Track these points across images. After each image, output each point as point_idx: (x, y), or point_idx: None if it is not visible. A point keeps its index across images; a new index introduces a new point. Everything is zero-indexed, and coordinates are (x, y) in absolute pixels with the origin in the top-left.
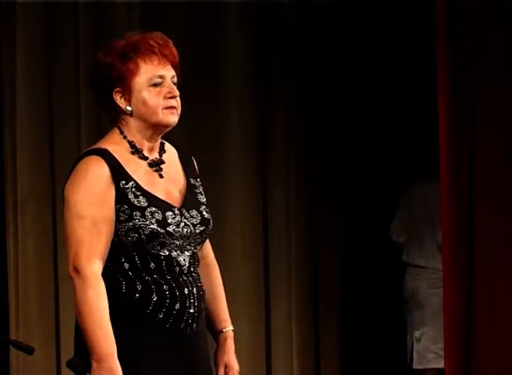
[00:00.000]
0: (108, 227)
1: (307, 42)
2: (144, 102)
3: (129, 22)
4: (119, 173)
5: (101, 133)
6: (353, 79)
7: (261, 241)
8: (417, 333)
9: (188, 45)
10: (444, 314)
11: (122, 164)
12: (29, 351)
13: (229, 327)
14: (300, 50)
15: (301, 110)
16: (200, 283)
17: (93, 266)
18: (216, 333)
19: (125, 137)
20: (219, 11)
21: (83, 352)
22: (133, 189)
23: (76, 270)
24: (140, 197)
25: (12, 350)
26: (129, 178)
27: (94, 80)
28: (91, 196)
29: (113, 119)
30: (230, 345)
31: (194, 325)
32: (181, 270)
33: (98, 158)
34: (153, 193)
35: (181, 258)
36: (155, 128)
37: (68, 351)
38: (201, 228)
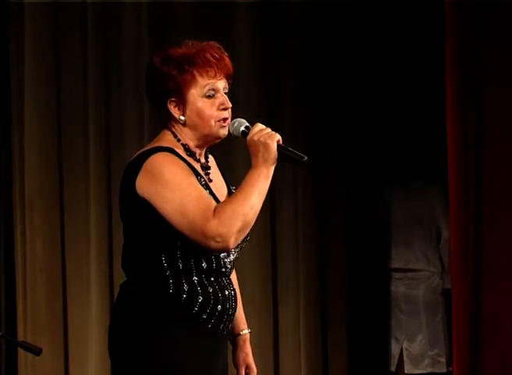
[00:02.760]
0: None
1: (316, 43)
2: (199, 114)
3: (137, 22)
4: (190, 168)
5: (110, 134)
6: (362, 81)
7: (269, 242)
8: (411, 339)
9: None
10: (453, 318)
11: (188, 161)
12: (36, 352)
13: (247, 330)
14: (310, 51)
15: (310, 112)
16: (233, 286)
17: (212, 223)
18: (235, 335)
19: (179, 140)
20: (228, 11)
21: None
22: (204, 186)
23: (208, 236)
24: (209, 195)
25: (21, 351)
26: (199, 175)
27: (149, 86)
28: (180, 177)
29: (163, 124)
30: (249, 347)
31: (229, 326)
32: (225, 272)
33: (169, 153)
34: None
35: (227, 261)
36: (206, 139)
37: (76, 352)
38: None
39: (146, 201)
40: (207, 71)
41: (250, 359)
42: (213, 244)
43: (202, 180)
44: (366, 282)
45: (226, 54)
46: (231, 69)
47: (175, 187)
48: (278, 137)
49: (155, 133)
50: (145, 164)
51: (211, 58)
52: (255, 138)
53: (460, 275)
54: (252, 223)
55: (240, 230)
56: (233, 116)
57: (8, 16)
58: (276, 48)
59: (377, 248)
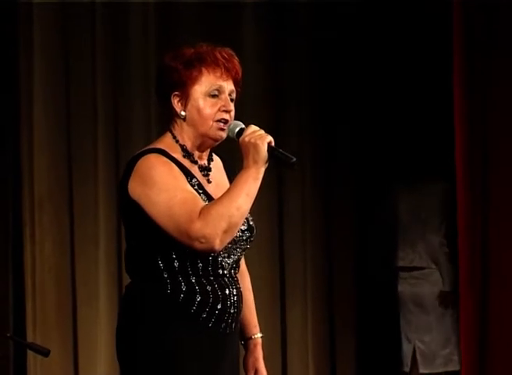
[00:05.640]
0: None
1: (323, 42)
2: (199, 110)
3: (145, 22)
4: (182, 169)
5: (119, 135)
6: (369, 81)
7: (277, 244)
8: (423, 338)
9: None
10: (461, 321)
11: (182, 163)
12: (45, 353)
13: (258, 334)
14: (316, 50)
15: (316, 110)
16: (239, 285)
17: (196, 224)
18: (246, 339)
19: (177, 142)
20: (235, 11)
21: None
22: (196, 187)
23: (192, 238)
24: (202, 195)
25: (30, 352)
26: (191, 175)
27: (156, 81)
28: (168, 179)
29: (167, 120)
30: (260, 351)
31: (233, 325)
32: (223, 273)
33: (159, 155)
34: (211, 194)
35: (225, 262)
36: (204, 139)
37: (85, 353)
38: (247, 234)
39: (137, 203)
40: (214, 69)
41: (260, 364)
42: (198, 245)
43: (195, 181)
44: (374, 282)
45: (237, 59)
46: (239, 74)
47: (161, 189)
48: (269, 138)
49: (162, 133)
50: (136, 166)
51: (220, 58)
52: (246, 139)
53: (467, 276)
54: (240, 224)
55: (225, 231)
56: (239, 115)
57: (17, 16)
58: (283, 47)
59: (384, 247)
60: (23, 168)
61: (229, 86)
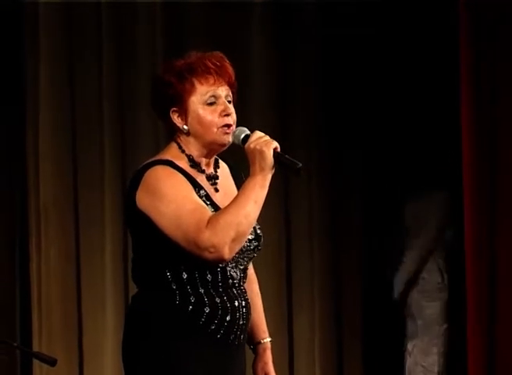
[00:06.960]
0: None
1: (329, 45)
2: (200, 121)
3: (151, 22)
4: (189, 180)
5: (125, 142)
6: (375, 84)
7: (284, 249)
8: (409, 346)
9: (208, 48)
10: (467, 331)
11: (189, 173)
12: (51, 362)
13: (267, 338)
14: (323, 53)
15: (322, 115)
16: (247, 296)
17: (205, 234)
18: (255, 344)
19: (183, 152)
20: (242, 11)
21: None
22: (204, 198)
23: (201, 247)
24: (209, 206)
25: (36, 361)
26: (199, 186)
27: (152, 97)
28: (176, 190)
29: (170, 134)
30: (269, 356)
31: (242, 336)
32: (233, 283)
33: (167, 166)
34: (218, 205)
35: (234, 272)
36: (210, 146)
37: (91, 363)
38: (255, 244)
39: (145, 214)
40: (206, 78)
41: (270, 368)
42: (208, 255)
43: (202, 191)
44: (380, 290)
45: (228, 62)
46: (232, 77)
47: (170, 200)
48: (275, 144)
49: (168, 143)
50: (144, 177)
51: (211, 66)
52: (252, 146)
53: (474, 280)
54: (248, 232)
55: (234, 240)
56: (246, 117)
57: (23, 17)
58: (290, 49)
59: (390, 255)
60: (29, 176)
61: (224, 91)
